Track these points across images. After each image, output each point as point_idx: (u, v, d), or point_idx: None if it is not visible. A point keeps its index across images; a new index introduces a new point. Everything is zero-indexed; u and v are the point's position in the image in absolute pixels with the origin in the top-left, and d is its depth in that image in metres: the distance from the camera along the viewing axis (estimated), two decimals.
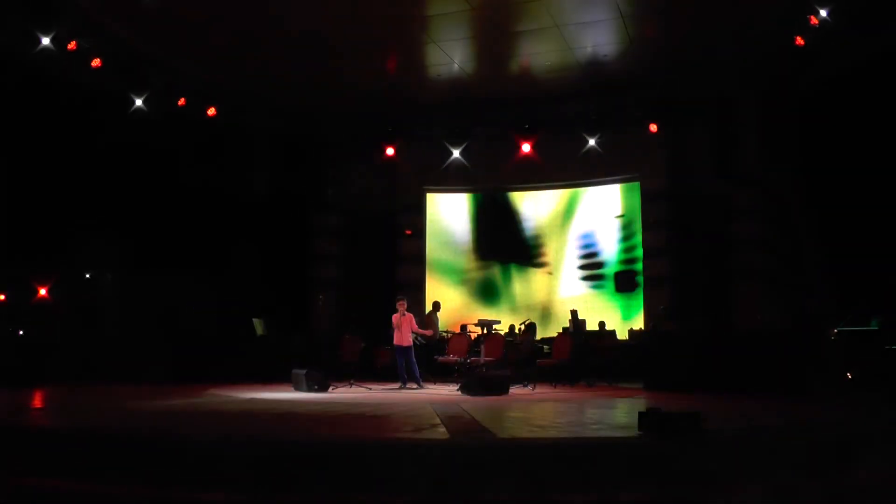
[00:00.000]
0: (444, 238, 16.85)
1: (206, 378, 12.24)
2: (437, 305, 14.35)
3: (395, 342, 11.34)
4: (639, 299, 15.13)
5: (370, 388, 11.02)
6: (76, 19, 11.21)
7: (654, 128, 14.21)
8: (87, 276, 14.09)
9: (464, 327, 13.78)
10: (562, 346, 12.14)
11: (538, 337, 13.92)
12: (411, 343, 11.37)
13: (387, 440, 5.57)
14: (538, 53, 12.87)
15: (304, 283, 16.14)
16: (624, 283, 15.33)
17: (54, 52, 10.98)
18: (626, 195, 15.71)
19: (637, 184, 15.43)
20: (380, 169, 15.98)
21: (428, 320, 13.87)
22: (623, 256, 15.66)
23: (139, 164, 13.27)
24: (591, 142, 14.53)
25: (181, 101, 13.06)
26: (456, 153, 15.19)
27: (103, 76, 11.89)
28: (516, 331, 13.64)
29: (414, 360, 11.40)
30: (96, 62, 11.51)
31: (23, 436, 5.69)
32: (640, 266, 15.19)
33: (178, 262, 13.50)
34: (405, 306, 11.47)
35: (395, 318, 11.37)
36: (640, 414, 5.49)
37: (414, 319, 11.63)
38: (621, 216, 15.65)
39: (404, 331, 11.28)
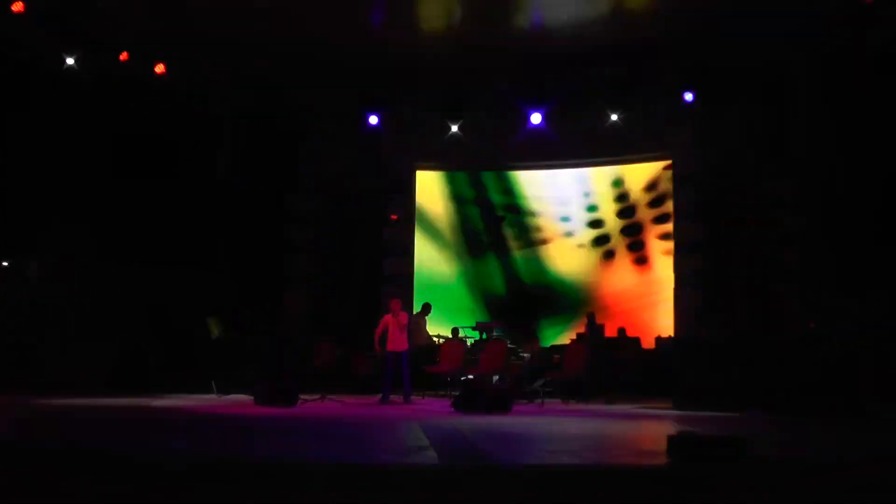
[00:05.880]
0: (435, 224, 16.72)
1: (153, 387, 12.26)
2: (426, 308, 14.03)
3: (388, 347, 11.48)
4: None
5: (345, 402, 10.91)
6: None
7: (689, 98, 14.04)
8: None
9: (456, 331, 13.57)
10: (575, 355, 12.01)
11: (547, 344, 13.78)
12: (406, 348, 11.54)
13: (363, 465, 5.46)
14: (552, 6, 12.62)
15: (272, 277, 15.88)
16: None
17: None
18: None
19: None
20: (362, 143, 15.77)
21: (414, 325, 13.58)
22: None
23: (80, 142, 13.29)
24: (614, 116, 14.36)
25: (123, 56, 12.90)
26: (454, 128, 14.95)
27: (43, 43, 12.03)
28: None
29: (408, 369, 11.51)
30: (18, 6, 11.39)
31: None
32: None
33: (124, 254, 13.44)
34: (400, 306, 11.76)
35: (386, 319, 11.55)
36: (670, 438, 5.48)
37: (409, 319, 11.93)
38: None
39: (397, 334, 11.44)
